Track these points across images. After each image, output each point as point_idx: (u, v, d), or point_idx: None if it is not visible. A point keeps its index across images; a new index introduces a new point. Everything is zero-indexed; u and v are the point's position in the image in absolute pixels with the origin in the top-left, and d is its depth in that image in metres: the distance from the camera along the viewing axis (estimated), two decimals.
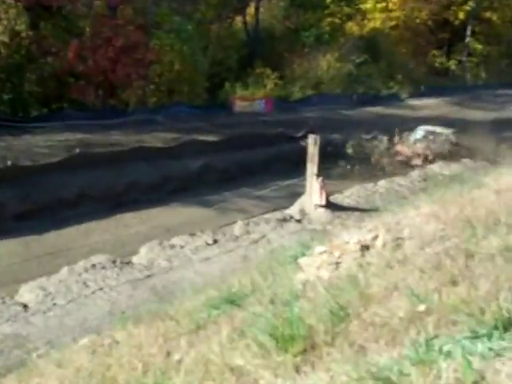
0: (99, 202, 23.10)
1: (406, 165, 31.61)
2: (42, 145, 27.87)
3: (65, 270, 13.05)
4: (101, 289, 12.23)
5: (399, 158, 33.30)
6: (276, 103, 46.48)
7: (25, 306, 11.46)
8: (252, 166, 28.15)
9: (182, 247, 14.92)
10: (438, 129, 35.59)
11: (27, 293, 12.05)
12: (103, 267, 13.24)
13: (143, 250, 14.67)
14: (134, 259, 14.14)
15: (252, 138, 31.65)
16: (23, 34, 35.96)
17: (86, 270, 13.01)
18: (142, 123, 35.14)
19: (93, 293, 12.04)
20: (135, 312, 8.46)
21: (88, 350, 6.33)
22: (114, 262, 13.58)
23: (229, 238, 15.86)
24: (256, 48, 53.30)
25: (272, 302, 4.93)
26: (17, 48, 35.69)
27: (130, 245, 17.06)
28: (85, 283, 12.43)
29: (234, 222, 17.73)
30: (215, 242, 15.39)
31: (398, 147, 33.83)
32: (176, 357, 4.76)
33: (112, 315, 10.68)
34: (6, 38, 34.85)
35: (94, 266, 13.25)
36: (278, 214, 18.01)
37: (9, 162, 22.26)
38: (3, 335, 10.18)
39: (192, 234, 15.92)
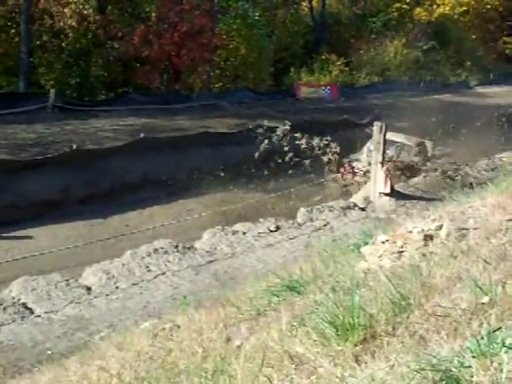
0: (163, 187, 23.28)
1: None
2: (108, 129, 28.33)
3: (128, 253, 13.17)
4: (163, 273, 12.33)
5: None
6: (341, 90, 46.36)
7: (88, 289, 11.60)
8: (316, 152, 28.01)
9: (244, 233, 14.94)
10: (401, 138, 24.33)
11: (91, 276, 12.17)
12: (166, 252, 13.32)
13: (205, 236, 14.72)
14: (197, 244, 14.19)
15: (317, 124, 31.55)
16: (90, 19, 36.54)
17: (149, 255, 13.12)
18: (207, 108, 35.42)
19: (155, 277, 12.14)
20: (196, 297, 8.51)
21: (149, 334, 6.40)
22: (176, 246, 13.65)
23: (291, 224, 15.84)
24: (322, 34, 53.20)
25: (333, 290, 4.91)
26: (84, 32, 36.27)
27: (192, 230, 17.14)
28: (147, 267, 12.54)
29: (297, 209, 17.67)
30: (278, 228, 15.38)
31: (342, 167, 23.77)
32: (236, 343, 4.79)
33: (174, 300, 10.75)
34: (73, 22, 35.46)
35: (156, 250, 13.34)
36: (341, 202, 17.92)
37: (74, 146, 22.55)
38: (67, 317, 10.33)
39: (254, 221, 15.94)
